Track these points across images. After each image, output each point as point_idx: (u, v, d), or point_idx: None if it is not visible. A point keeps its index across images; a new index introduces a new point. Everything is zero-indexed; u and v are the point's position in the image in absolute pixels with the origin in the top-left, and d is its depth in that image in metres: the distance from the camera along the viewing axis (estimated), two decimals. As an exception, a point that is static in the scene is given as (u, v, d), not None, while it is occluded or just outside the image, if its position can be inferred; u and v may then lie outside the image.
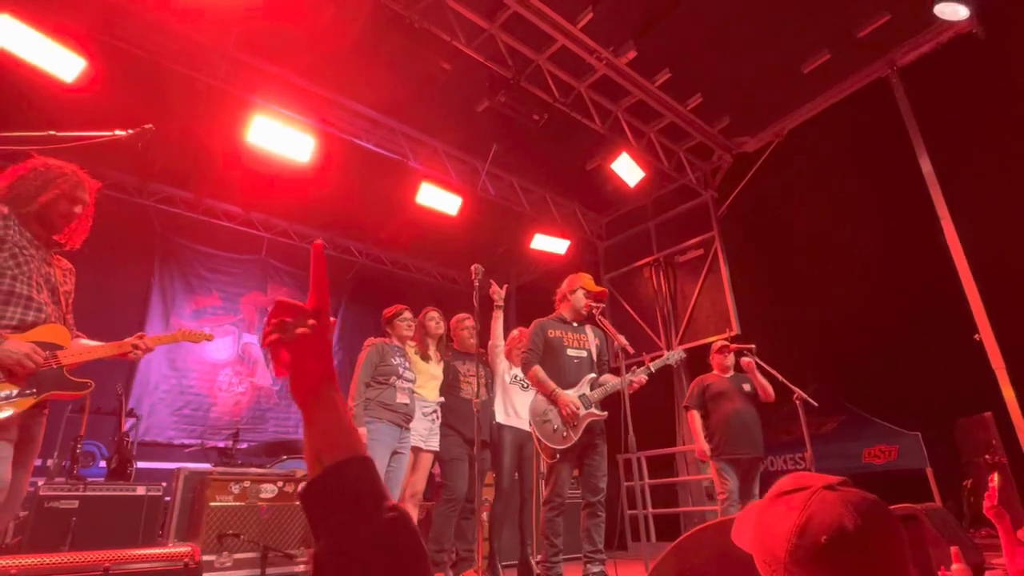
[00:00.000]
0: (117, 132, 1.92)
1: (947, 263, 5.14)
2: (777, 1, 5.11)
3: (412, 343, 4.03)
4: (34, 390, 2.05)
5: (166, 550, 1.80)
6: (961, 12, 4.62)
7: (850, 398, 7.00)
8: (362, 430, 3.47)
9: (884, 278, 6.34)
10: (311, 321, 0.67)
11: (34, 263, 2.16)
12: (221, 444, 5.77)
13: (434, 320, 4.14)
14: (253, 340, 7.88)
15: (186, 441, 6.38)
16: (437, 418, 3.99)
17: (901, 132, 5.60)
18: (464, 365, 4.24)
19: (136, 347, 2.38)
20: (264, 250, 8.03)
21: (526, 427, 4.15)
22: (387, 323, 3.96)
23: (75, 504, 3.64)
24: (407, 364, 3.85)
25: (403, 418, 3.65)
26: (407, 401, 3.69)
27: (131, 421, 5.36)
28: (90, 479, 4.09)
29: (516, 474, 4.09)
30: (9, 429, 1.99)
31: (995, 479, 2.22)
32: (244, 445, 5.78)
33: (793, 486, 0.80)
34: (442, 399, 4.05)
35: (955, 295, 5.05)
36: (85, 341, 2.34)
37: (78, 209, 2.27)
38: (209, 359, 7.35)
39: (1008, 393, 4.67)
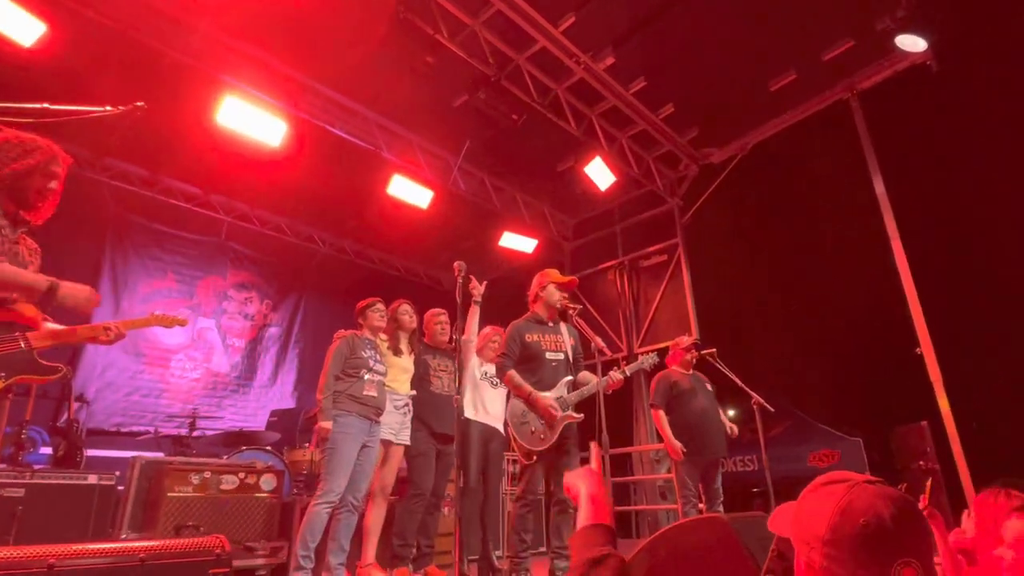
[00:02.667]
0: (108, 108, 1.84)
1: (894, 280, 5.44)
2: (750, 21, 5.30)
3: (383, 336, 3.98)
4: (2, 374, 1.95)
5: (195, 539, 1.75)
6: (920, 44, 4.91)
7: (797, 404, 7.35)
8: (329, 424, 3.41)
9: (835, 292, 6.67)
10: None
11: (7, 243, 2.06)
12: (173, 432, 5.56)
13: (407, 314, 4.10)
14: (210, 324, 7.59)
15: (135, 428, 6.12)
16: (409, 411, 3.96)
17: (858, 153, 5.89)
18: (435, 359, 4.22)
19: (108, 330, 2.29)
20: (224, 234, 7.77)
21: (494, 423, 4.21)
22: (359, 314, 3.88)
23: (21, 492, 3.44)
24: (378, 357, 3.79)
25: (373, 411, 3.61)
26: (375, 394, 3.64)
27: (78, 407, 5.11)
28: (36, 467, 3.89)
29: (481, 471, 4.11)
30: None
31: (930, 484, 2.43)
32: (198, 434, 5.59)
33: (835, 479, 0.90)
34: (413, 392, 4.02)
35: (900, 311, 5.36)
36: (51, 325, 2.23)
37: (53, 184, 2.17)
38: (161, 343, 7.05)
39: (943, 404, 5.00)
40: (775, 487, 4.38)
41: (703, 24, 5.35)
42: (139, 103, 1.89)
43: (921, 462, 5.46)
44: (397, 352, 4.01)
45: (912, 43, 4.93)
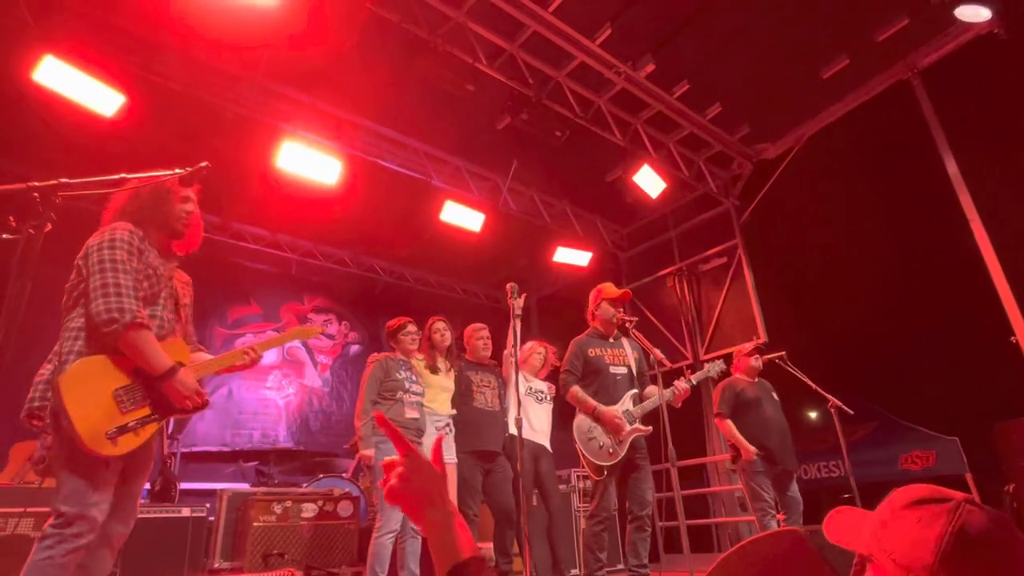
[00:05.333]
0: (177, 171, 2.01)
1: (978, 264, 5.08)
2: (793, 9, 5.13)
3: (420, 355, 3.94)
4: (156, 415, 1.99)
5: (270, 573, 1.86)
6: (983, 14, 4.62)
7: (883, 404, 6.92)
8: (371, 452, 3.41)
9: (913, 281, 6.29)
10: (397, 469, 0.92)
11: (163, 281, 2.17)
12: (268, 447, 5.76)
13: (439, 332, 4.03)
14: (297, 344, 8.02)
15: (238, 447, 6.45)
16: (450, 431, 3.90)
17: (924, 134, 5.57)
18: (478, 375, 4.13)
19: (246, 353, 2.32)
20: (293, 270, 8.19)
21: (540, 440, 4.12)
22: (391, 337, 3.86)
23: (125, 527, 3.72)
24: (414, 377, 3.74)
25: (414, 433, 3.57)
26: (416, 415, 3.60)
27: (170, 442, 5.47)
28: (136, 502, 4.18)
29: (535, 488, 4.04)
30: (120, 461, 1.94)
31: None
32: (300, 448, 5.87)
33: (931, 496, 0.85)
34: (454, 411, 3.96)
35: (988, 297, 4.98)
36: (201, 354, 2.32)
37: (189, 207, 2.29)
38: (255, 362, 7.50)
39: (1048, 395, 4.59)
40: (866, 492, 4.14)
41: (743, 19, 5.23)
42: (204, 163, 2.04)
43: (1029, 460, 5.02)
44: (435, 371, 3.96)
45: (974, 13, 4.63)
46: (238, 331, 7.47)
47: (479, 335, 4.25)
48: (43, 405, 1.90)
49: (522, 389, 4.14)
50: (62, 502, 1.83)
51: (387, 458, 0.90)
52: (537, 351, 4.41)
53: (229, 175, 6.02)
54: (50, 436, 1.93)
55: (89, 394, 1.87)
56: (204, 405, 2.15)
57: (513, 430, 3.94)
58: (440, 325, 4.06)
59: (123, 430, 1.88)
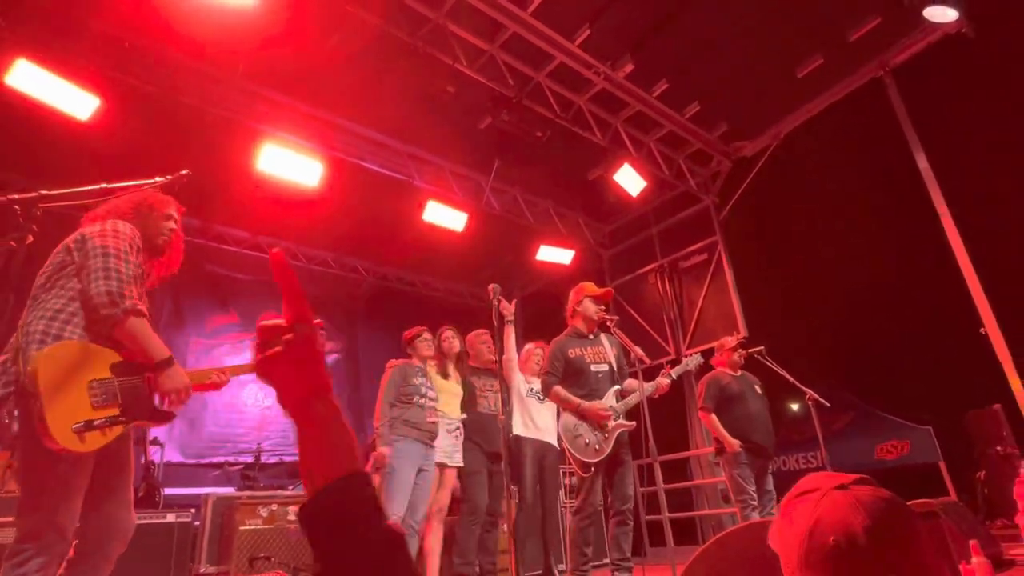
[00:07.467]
0: (158, 179, 2.01)
1: (949, 257, 5.22)
2: (768, 10, 5.23)
3: (432, 362, 4.12)
4: (124, 418, 1.90)
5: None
6: (949, 14, 4.74)
7: (860, 395, 7.07)
8: (387, 449, 3.55)
9: (887, 275, 6.44)
10: (286, 336, 0.66)
11: (143, 291, 2.15)
12: (250, 459, 5.76)
13: (448, 339, 4.24)
14: None
15: (215, 460, 6.40)
16: (460, 434, 4.08)
17: (896, 130, 5.71)
18: (480, 380, 4.32)
19: (220, 374, 2.27)
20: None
21: (546, 438, 4.25)
22: (408, 344, 4.06)
23: (109, 534, 3.70)
24: (429, 383, 3.93)
25: (428, 436, 3.74)
26: (433, 419, 3.79)
27: (153, 449, 5.43)
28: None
29: (538, 486, 4.15)
30: (88, 463, 1.85)
31: None
32: (274, 460, 5.83)
33: (807, 488, 0.81)
34: (464, 415, 4.13)
35: (959, 289, 5.12)
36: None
37: (171, 224, 2.30)
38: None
39: (1016, 384, 4.73)
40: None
41: (720, 19, 5.31)
42: (184, 171, 2.05)
43: (998, 447, 5.20)
44: (445, 376, 4.15)
45: (941, 14, 4.76)
46: (215, 340, 7.36)
47: (482, 339, 4.45)
48: (6, 394, 1.77)
49: (523, 390, 4.39)
50: (24, 512, 1.72)
51: (269, 321, 0.67)
52: (535, 352, 4.51)
53: (210, 177, 5.96)
54: (11, 430, 1.78)
55: (64, 379, 1.76)
56: (172, 416, 2.10)
57: (518, 431, 4.15)
58: (449, 333, 4.28)
59: (89, 426, 1.78)
